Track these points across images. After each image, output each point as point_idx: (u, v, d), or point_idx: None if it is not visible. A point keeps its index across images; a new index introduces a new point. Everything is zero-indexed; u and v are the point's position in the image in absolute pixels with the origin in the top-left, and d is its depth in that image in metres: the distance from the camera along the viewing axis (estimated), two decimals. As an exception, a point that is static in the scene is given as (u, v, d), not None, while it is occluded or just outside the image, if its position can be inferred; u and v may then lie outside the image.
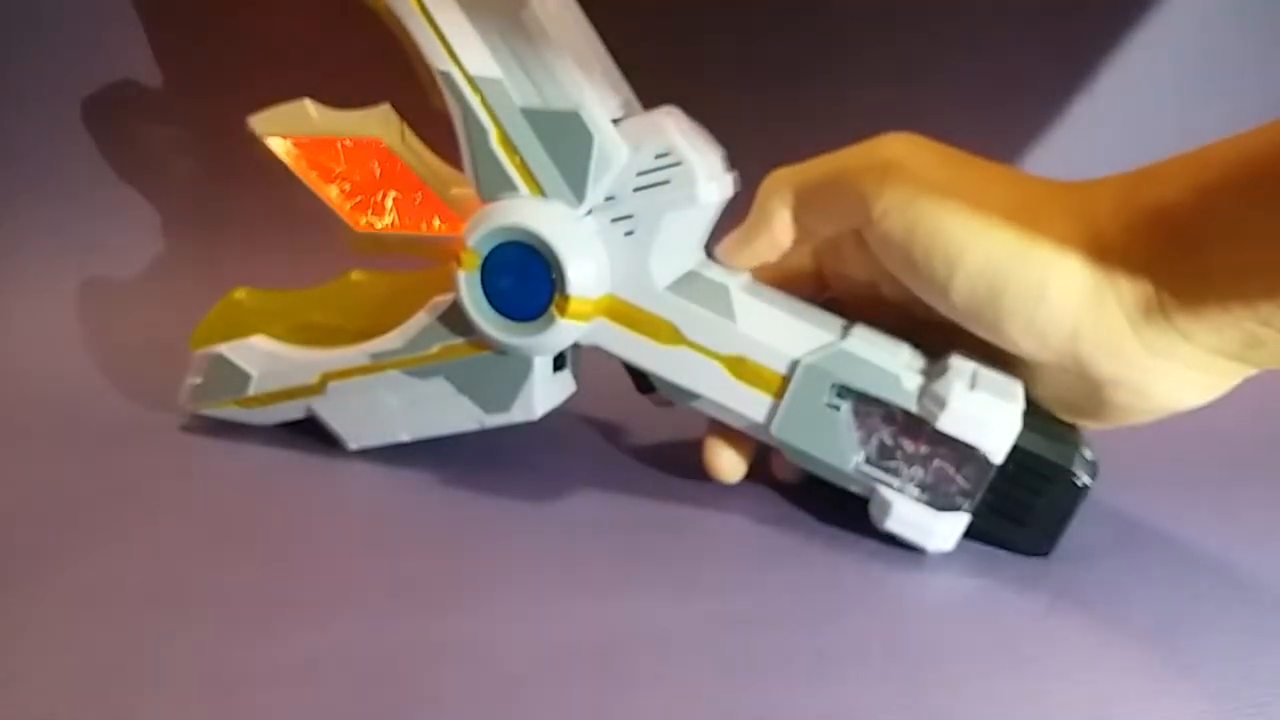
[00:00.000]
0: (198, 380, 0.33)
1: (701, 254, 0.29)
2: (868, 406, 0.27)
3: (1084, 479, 0.26)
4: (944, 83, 0.41)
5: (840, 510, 0.28)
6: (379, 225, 0.31)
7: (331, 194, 0.31)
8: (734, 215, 0.29)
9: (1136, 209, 0.23)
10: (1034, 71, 0.41)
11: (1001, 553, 0.27)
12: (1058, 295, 0.24)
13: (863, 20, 0.40)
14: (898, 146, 0.26)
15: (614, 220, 0.27)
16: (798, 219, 0.27)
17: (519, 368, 0.29)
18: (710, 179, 0.27)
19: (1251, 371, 0.24)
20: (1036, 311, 0.24)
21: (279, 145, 0.31)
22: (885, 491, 0.27)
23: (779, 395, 0.27)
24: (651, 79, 0.29)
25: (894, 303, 0.28)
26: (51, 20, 0.39)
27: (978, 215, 0.24)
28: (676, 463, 0.32)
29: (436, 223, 0.31)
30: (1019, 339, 0.25)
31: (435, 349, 0.30)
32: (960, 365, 0.26)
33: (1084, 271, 0.23)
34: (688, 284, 0.28)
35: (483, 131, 0.27)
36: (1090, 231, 0.24)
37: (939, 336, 0.27)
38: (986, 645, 0.23)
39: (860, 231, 0.26)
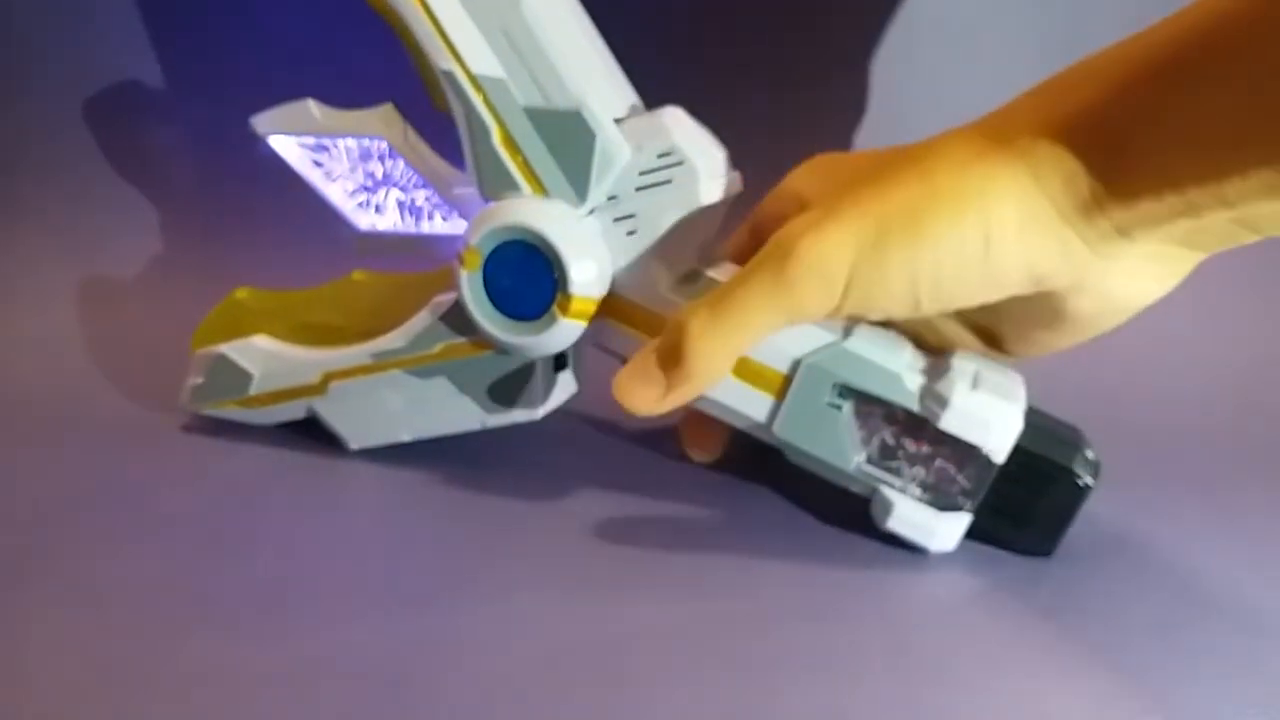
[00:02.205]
0: (199, 380, 0.33)
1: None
2: (869, 406, 0.27)
3: (1086, 479, 0.26)
4: (943, 82, 0.41)
5: (841, 510, 0.28)
6: (381, 225, 0.31)
7: (334, 194, 0.31)
8: (738, 215, 0.29)
9: (1059, 117, 0.23)
10: (1034, 77, 0.41)
11: (1003, 553, 0.27)
12: (998, 240, 0.23)
13: (864, 21, 0.40)
14: (800, 237, 0.25)
15: (616, 220, 0.27)
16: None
17: (521, 368, 0.29)
18: (712, 178, 0.27)
19: (1202, 256, 0.24)
20: (987, 267, 0.24)
21: (282, 145, 0.31)
22: (887, 491, 0.27)
23: (780, 395, 0.27)
24: (654, 79, 0.29)
25: None
26: (53, 21, 0.39)
27: (899, 234, 0.24)
28: (676, 463, 0.32)
29: (439, 222, 0.31)
30: (980, 298, 0.25)
31: (437, 348, 0.30)
32: (962, 365, 0.26)
33: (1013, 201, 0.23)
34: (690, 283, 0.28)
35: (485, 130, 0.27)
36: (1009, 157, 0.24)
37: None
38: (988, 646, 0.23)
39: None
